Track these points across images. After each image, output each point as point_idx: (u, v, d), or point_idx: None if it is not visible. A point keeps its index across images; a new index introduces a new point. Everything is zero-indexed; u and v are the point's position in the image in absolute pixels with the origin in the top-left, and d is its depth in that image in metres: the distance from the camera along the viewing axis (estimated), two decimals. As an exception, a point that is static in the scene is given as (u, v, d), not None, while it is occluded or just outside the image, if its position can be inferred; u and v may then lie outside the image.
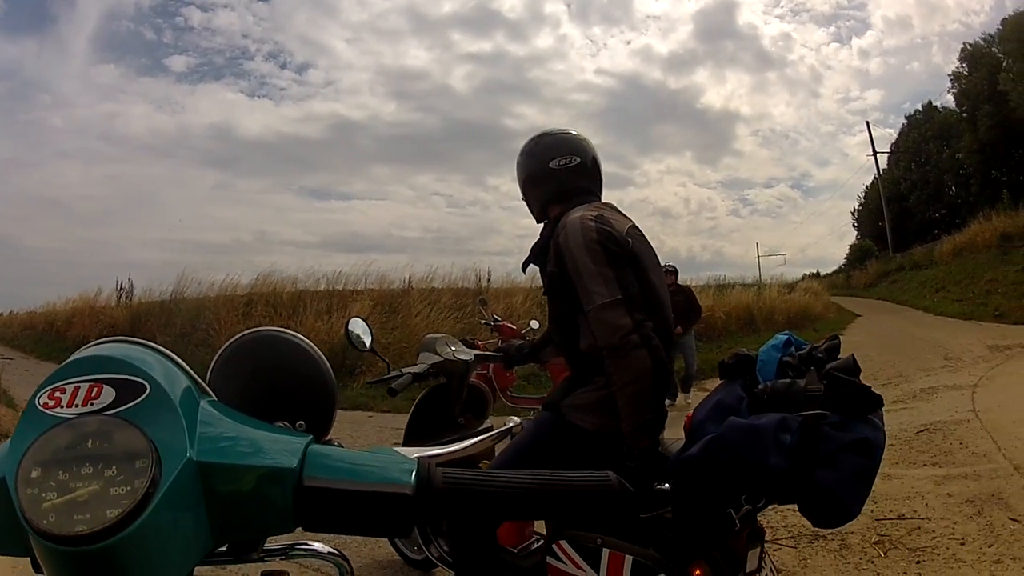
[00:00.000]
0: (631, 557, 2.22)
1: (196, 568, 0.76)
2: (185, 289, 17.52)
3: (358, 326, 3.45)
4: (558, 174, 2.81)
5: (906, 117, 47.99)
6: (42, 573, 0.73)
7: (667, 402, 7.42)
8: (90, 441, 0.68)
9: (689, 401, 10.00)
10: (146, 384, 0.75)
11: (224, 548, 0.84)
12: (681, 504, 2.08)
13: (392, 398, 3.30)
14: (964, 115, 38.83)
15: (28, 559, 0.71)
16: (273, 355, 1.08)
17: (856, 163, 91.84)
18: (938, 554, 4.23)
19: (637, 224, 2.78)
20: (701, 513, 2.05)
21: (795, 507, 1.89)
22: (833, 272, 50.13)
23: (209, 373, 1.02)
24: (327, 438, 1.04)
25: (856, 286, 38.17)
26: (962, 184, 41.04)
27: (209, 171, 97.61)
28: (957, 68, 39.80)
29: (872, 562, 4.22)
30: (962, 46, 39.98)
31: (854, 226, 53.70)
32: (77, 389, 0.73)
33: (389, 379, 3.17)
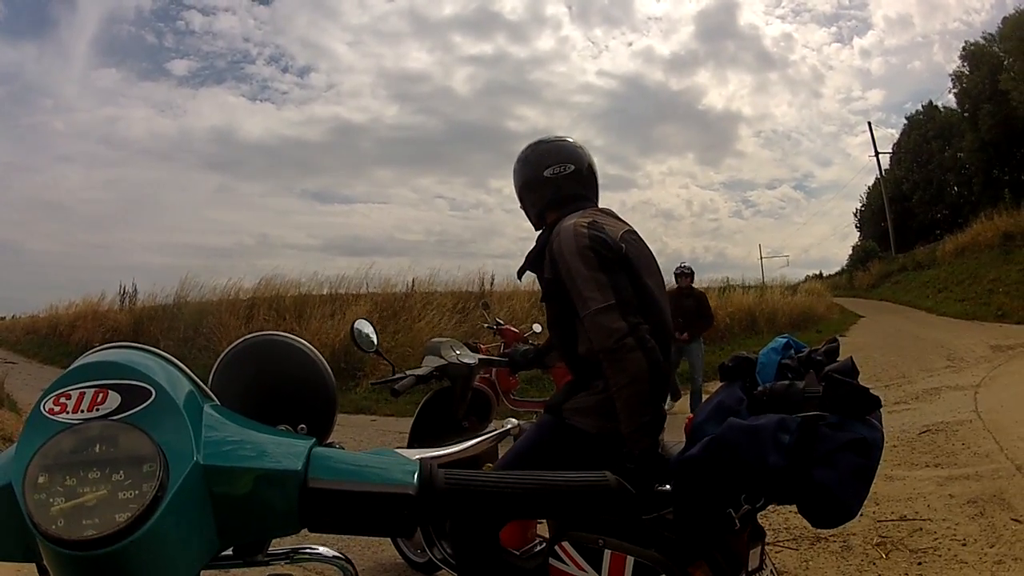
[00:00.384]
0: (632, 558, 2.23)
1: (202, 571, 0.76)
2: (188, 293, 17.59)
3: (365, 326, 3.48)
4: (554, 181, 2.84)
5: (907, 117, 48.00)
6: None
7: (667, 404, 7.40)
8: (97, 446, 0.69)
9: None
10: (151, 389, 0.75)
11: (230, 551, 0.85)
12: (682, 505, 2.09)
13: (395, 399, 3.33)
14: (965, 114, 38.74)
15: (33, 564, 0.73)
16: (274, 359, 1.09)
17: (858, 163, 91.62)
18: (940, 555, 4.24)
19: (635, 228, 2.80)
20: (702, 513, 2.05)
21: (796, 509, 1.91)
22: (836, 273, 50.06)
23: (211, 377, 1.03)
24: (328, 441, 1.04)
25: (859, 287, 38.11)
26: (964, 183, 40.98)
27: (211, 175, 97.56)
28: (958, 67, 39.78)
29: (874, 563, 4.22)
30: (963, 45, 40.01)
31: (857, 227, 53.64)
32: (82, 395, 0.74)
33: (393, 380, 3.20)
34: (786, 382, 2.06)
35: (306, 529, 0.79)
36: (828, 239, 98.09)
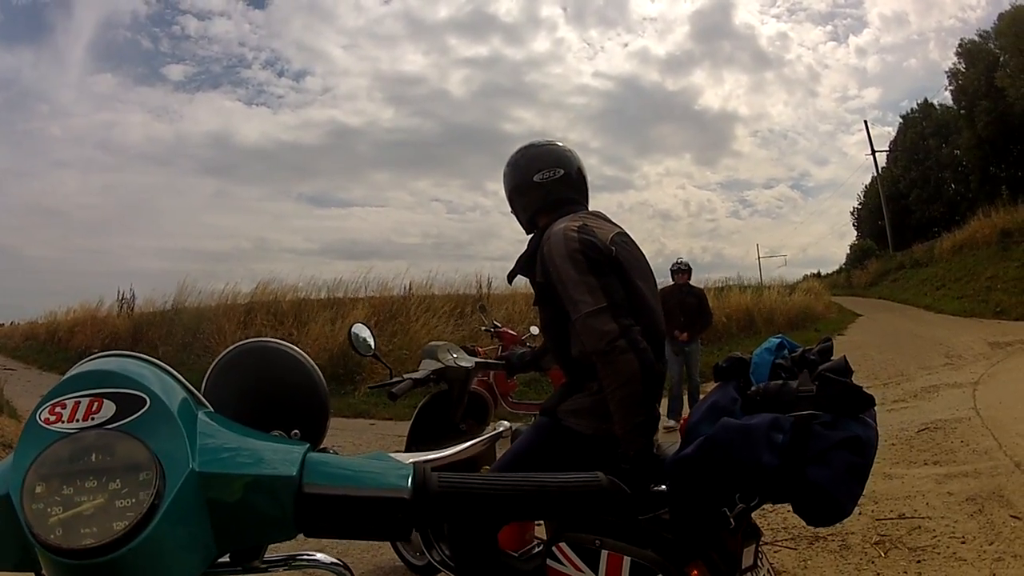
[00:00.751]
0: (629, 558, 2.23)
1: None
2: (186, 298, 17.59)
3: (362, 330, 3.49)
4: (543, 186, 2.85)
5: (902, 116, 48.10)
6: None
7: (671, 422, 7.39)
8: (93, 455, 0.69)
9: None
10: (146, 397, 0.76)
11: (226, 558, 0.84)
12: (677, 504, 2.10)
13: (392, 402, 3.34)
14: (962, 112, 38.75)
15: (31, 573, 0.73)
16: (266, 366, 1.09)
17: (855, 162, 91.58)
18: (939, 553, 4.24)
19: (627, 230, 2.82)
20: (697, 513, 2.06)
21: (791, 507, 1.91)
22: (834, 272, 50.09)
23: (204, 385, 1.03)
24: (322, 446, 1.04)
25: (857, 285, 38.19)
26: (961, 181, 41.02)
27: (207, 179, 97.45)
28: (954, 64, 39.78)
29: (872, 562, 4.23)
30: (959, 42, 40.05)
31: (854, 225, 53.78)
32: (77, 404, 0.74)
33: (390, 384, 3.21)
34: (779, 382, 2.08)
35: (302, 535, 0.80)
36: (826, 238, 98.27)
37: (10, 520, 0.68)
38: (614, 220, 2.87)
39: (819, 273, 50.35)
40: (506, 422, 2.30)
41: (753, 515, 2.23)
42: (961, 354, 12.82)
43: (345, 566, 1.00)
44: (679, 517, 2.15)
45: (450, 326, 13.81)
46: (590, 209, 2.91)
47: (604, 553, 2.28)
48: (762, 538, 2.34)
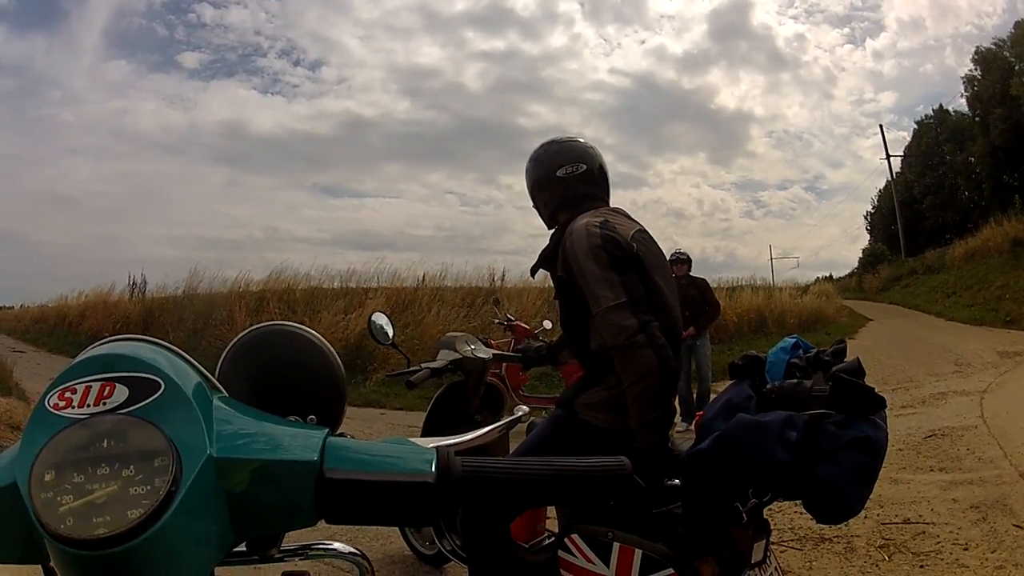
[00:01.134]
0: (641, 551, 2.26)
1: (216, 568, 0.76)
2: (197, 285, 17.54)
3: (381, 319, 3.52)
4: (565, 181, 2.87)
5: (917, 121, 47.86)
6: None
7: (683, 426, 7.36)
8: (105, 441, 0.68)
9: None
10: (160, 381, 0.74)
11: (243, 546, 0.83)
12: (691, 498, 2.13)
13: (410, 390, 3.37)
14: (976, 119, 38.57)
15: (35, 565, 0.73)
16: (282, 349, 1.08)
17: (869, 166, 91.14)
18: (942, 558, 4.26)
19: (646, 227, 2.84)
20: (710, 507, 2.09)
21: (802, 510, 1.95)
22: (846, 275, 49.95)
23: (218, 368, 1.02)
24: (338, 432, 0.98)
25: (868, 290, 38.08)
26: (974, 188, 40.78)
27: (220, 168, 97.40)
28: (970, 71, 39.62)
29: (876, 565, 4.25)
30: (975, 49, 39.89)
31: (867, 229, 53.46)
32: (88, 388, 0.72)
33: (408, 373, 3.25)
34: (794, 381, 2.12)
35: (323, 521, 0.78)
36: (838, 241, 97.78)
37: (17, 510, 0.66)
38: (634, 218, 2.90)
39: (831, 276, 50.31)
40: (525, 407, 2.34)
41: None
42: (970, 362, 12.79)
43: (363, 555, 1.02)
44: (692, 511, 2.18)
45: (461, 318, 13.76)
46: (611, 205, 2.94)
47: (616, 545, 2.31)
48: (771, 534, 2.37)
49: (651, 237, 2.82)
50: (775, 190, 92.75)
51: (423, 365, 3.34)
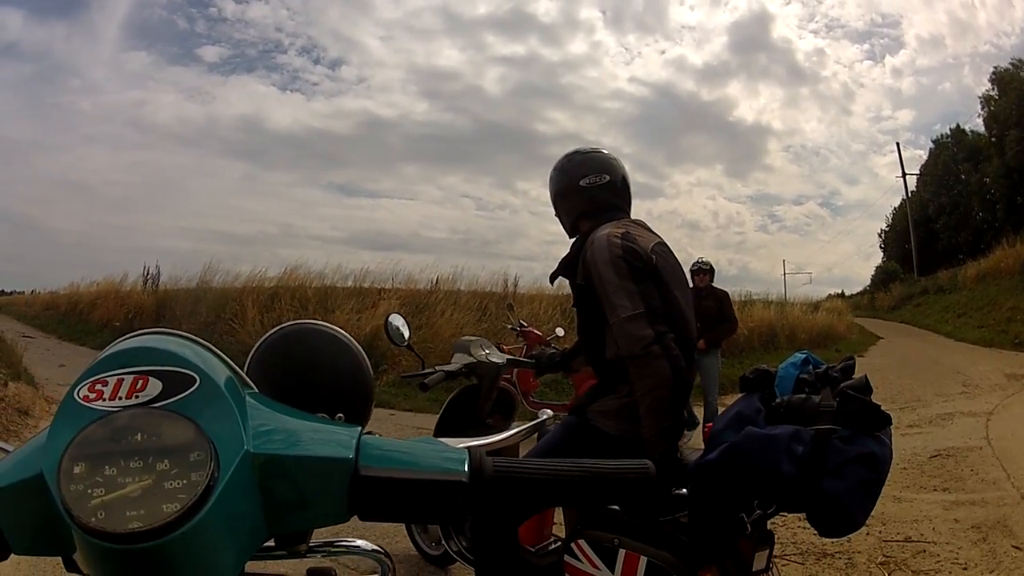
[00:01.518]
0: (646, 558, 2.31)
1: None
2: (211, 278, 17.46)
3: (397, 320, 3.54)
4: (588, 191, 2.91)
5: (934, 140, 47.68)
6: (76, 573, 0.77)
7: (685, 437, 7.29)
8: (139, 434, 0.67)
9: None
10: (195, 376, 0.74)
11: (271, 542, 0.82)
12: (697, 508, 2.18)
13: (424, 392, 3.40)
14: (993, 139, 38.39)
15: (46, 557, 0.72)
16: (312, 348, 1.08)
17: (885, 183, 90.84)
18: (941, 577, 4.28)
19: (664, 240, 2.88)
20: (716, 517, 2.13)
21: (806, 525, 2.00)
22: (858, 293, 49.57)
23: (247, 365, 1.01)
24: (367, 430, 0.94)
25: (880, 308, 37.81)
26: (989, 209, 40.55)
27: (237, 162, 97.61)
28: (987, 91, 39.48)
29: (876, 582, 4.27)
30: (993, 69, 39.76)
31: (881, 247, 53.26)
32: (120, 381, 0.72)
33: (423, 375, 3.27)
34: (803, 395, 2.16)
35: (356, 517, 0.78)
36: (852, 258, 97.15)
37: (40, 501, 0.66)
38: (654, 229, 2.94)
39: (843, 293, 49.94)
40: (549, 411, 2.38)
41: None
42: (978, 383, 12.74)
43: (386, 553, 1.03)
44: (698, 520, 2.22)
45: (473, 322, 13.73)
46: (632, 217, 2.98)
47: (622, 552, 2.35)
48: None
49: (670, 249, 2.86)
50: (790, 205, 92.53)
51: (438, 368, 3.36)
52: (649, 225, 2.95)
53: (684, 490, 2.22)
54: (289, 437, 0.77)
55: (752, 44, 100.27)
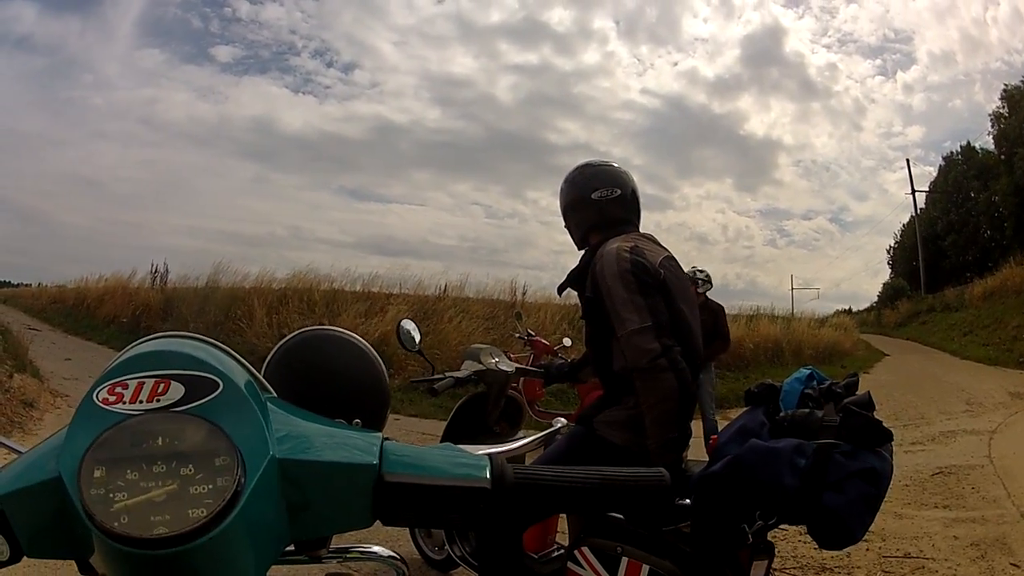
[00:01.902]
0: (648, 567, 2.33)
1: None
2: (220, 278, 17.33)
3: (409, 325, 3.57)
4: (599, 204, 2.95)
5: (944, 157, 47.56)
6: (90, 575, 0.75)
7: None
8: (160, 439, 0.67)
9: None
10: (219, 381, 0.74)
11: (291, 547, 0.81)
12: (700, 518, 2.21)
13: (433, 397, 3.42)
14: (1002, 157, 38.28)
15: (39, 562, 0.72)
16: (329, 354, 1.07)
17: (895, 200, 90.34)
18: (939, 594, 4.30)
19: (673, 253, 2.91)
20: (719, 528, 2.16)
21: (806, 539, 2.03)
22: (865, 309, 49.42)
23: (264, 370, 1.00)
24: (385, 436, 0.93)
25: (887, 324, 37.66)
26: (997, 227, 40.44)
27: (247, 163, 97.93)
28: (997, 109, 39.36)
29: (875, 597, 4.29)
30: (1003, 87, 39.70)
31: (889, 264, 53.10)
32: (141, 384, 0.72)
33: (433, 380, 3.31)
34: (806, 410, 2.19)
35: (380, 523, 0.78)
36: (860, 274, 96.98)
37: (57, 504, 0.66)
38: (662, 243, 2.97)
39: (850, 309, 49.59)
40: (563, 419, 2.40)
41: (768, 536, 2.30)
42: (981, 402, 12.72)
43: (402, 559, 1.01)
44: (700, 531, 2.25)
45: (481, 330, 13.71)
46: (641, 230, 3.01)
47: (624, 560, 2.37)
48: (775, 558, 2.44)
49: (678, 264, 2.91)
50: (799, 219, 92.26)
51: (448, 374, 3.39)
52: (657, 239, 2.99)
53: (687, 500, 2.25)
54: (313, 442, 0.77)
55: (764, 58, 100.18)
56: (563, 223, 3.16)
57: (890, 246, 53.34)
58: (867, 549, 4.95)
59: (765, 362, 17.45)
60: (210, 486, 0.64)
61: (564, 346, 6.60)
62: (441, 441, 3.64)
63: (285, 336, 1.10)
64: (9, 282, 41.12)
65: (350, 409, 1.01)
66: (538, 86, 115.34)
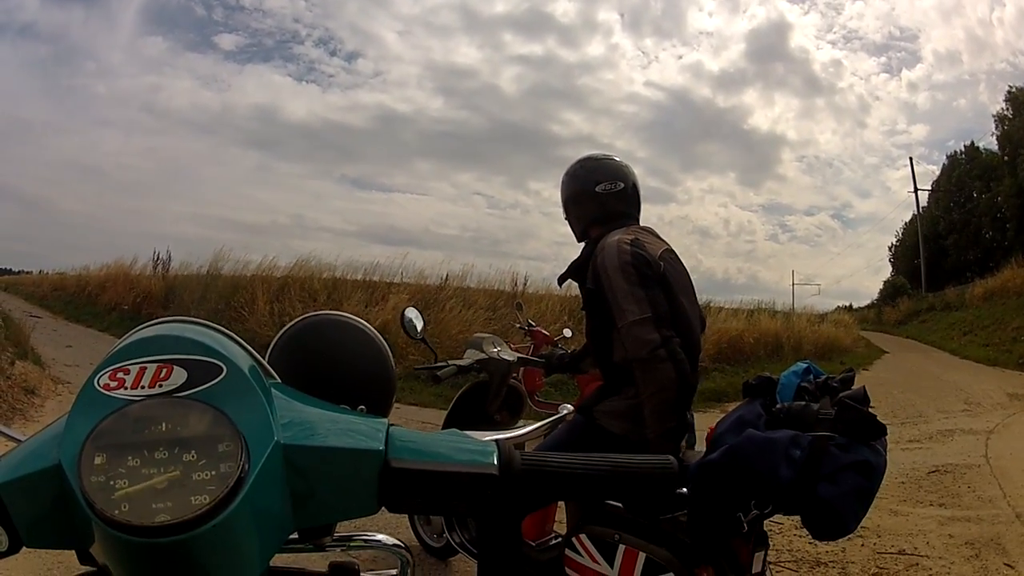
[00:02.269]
0: (644, 555, 2.37)
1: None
2: (222, 266, 17.24)
3: (412, 313, 3.62)
4: (601, 197, 2.98)
5: (948, 156, 47.58)
6: (90, 565, 0.76)
7: None
8: (163, 424, 0.66)
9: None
10: (222, 365, 0.73)
11: (295, 535, 0.81)
12: (697, 507, 2.23)
13: (435, 384, 3.45)
14: (1005, 158, 38.28)
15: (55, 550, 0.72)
16: (334, 339, 1.07)
17: (897, 198, 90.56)
18: (932, 591, 4.33)
19: (673, 247, 2.96)
20: (715, 516, 2.17)
21: (801, 533, 2.05)
22: (866, 306, 49.31)
23: (268, 355, 1.01)
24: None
25: (887, 322, 37.61)
26: (999, 228, 40.49)
27: (250, 151, 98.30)
28: (1001, 109, 39.41)
29: (868, 592, 4.32)
30: (1008, 88, 39.66)
31: (890, 261, 53.17)
32: (143, 370, 0.71)
33: (436, 368, 3.34)
34: (803, 403, 2.21)
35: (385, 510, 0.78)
36: (861, 271, 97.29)
37: (56, 493, 0.66)
38: (662, 236, 3.01)
39: (851, 306, 49.57)
40: (569, 406, 2.42)
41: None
42: (980, 401, 12.72)
43: (406, 547, 1.04)
44: (697, 519, 2.28)
45: (482, 320, 13.68)
46: (641, 224, 3.04)
47: (621, 547, 2.41)
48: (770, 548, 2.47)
49: (678, 257, 2.94)
50: (802, 215, 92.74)
51: (450, 362, 3.42)
52: (657, 232, 3.02)
53: (684, 489, 2.28)
54: (318, 429, 0.76)
55: (769, 53, 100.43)
56: (564, 216, 3.19)
57: (892, 244, 53.68)
58: (862, 545, 4.97)
59: (765, 357, 17.39)
60: (213, 472, 0.64)
61: (565, 337, 6.61)
62: (443, 427, 3.68)
63: (286, 324, 1.10)
64: (10, 269, 41.22)
65: (355, 395, 1.01)
66: (542, 77, 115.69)
